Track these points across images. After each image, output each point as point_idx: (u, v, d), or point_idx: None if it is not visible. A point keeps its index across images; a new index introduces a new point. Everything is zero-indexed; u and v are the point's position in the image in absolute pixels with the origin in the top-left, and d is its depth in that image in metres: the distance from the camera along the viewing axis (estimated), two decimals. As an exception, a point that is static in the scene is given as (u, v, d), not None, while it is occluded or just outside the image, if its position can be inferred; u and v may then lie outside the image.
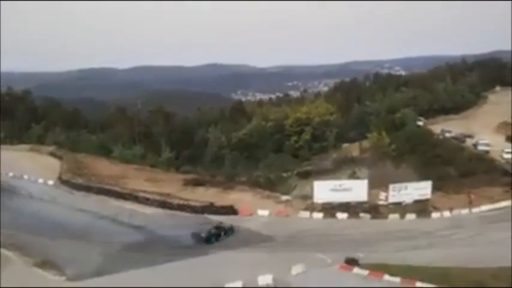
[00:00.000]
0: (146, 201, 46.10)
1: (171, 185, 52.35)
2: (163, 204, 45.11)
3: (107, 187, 50.53)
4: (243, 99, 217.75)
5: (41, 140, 79.49)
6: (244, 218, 41.89)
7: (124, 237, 36.95)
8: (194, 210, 43.41)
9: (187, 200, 46.21)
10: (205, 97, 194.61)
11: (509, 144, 71.53)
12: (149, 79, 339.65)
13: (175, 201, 45.47)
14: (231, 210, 42.80)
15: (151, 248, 34.77)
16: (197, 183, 52.49)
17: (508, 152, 62.95)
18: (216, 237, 36.58)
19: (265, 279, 27.52)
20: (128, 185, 52.29)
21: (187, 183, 52.70)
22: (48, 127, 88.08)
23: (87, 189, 50.58)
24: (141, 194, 47.87)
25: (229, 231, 37.79)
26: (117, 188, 50.16)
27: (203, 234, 36.17)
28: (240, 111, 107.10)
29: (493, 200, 44.45)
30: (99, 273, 29.85)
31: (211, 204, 44.00)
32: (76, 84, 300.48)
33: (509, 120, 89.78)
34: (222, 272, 28.69)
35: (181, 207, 44.21)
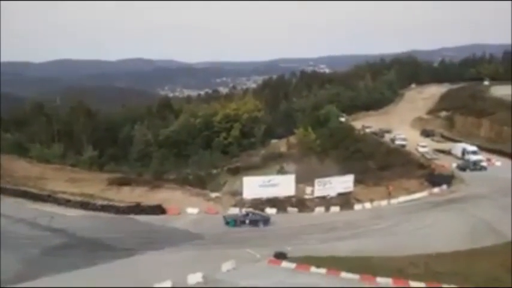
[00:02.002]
0: (67, 203, 43.49)
1: (94, 185, 49.93)
2: (85, 206, 42.83)
3: (24, 189, 46.97)
4: (171, 95, 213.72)
5: None
6: (172, 216, 41.08)
7: (43, 241, 34.60)
8: (119, 210, 41.70)
9: (111, 200, 44.34)
10: (130, 93, 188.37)
11: (424, 139, 77.20)
12: (70, 74, 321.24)
13: (99, 202, 43.38)
14: (158, 210, 41.68)
15: (73, 252, 32.95)
16: (122, 182, 50.48)
17: (422, 146, 67.72)
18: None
19: (195, 277, 27.16)
20: (47, 186, 49.09)
21: (112, 182, 50.52)
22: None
23: (1, 191, 46.73)
24: (61, 196, 45.11)
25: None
26: (34, 190, 46.85)
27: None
28: (167, 107, 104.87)
29: (409, 192, 47.60)
30: (17, 280, 27.76)
31: (138, 204, 42.54)
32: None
33: (424, 116, 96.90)
34: (150, 273, 27.92)
35: (105, 208, 42.24)
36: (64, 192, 46.27)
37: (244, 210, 40.35)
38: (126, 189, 48.53)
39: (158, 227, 38.26)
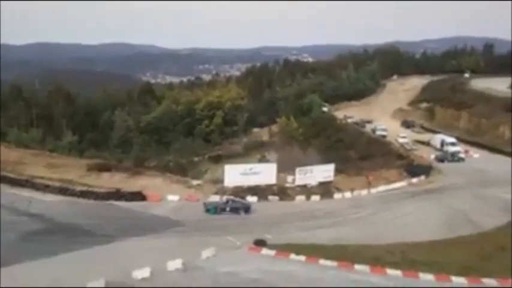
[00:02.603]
0: (45, 188, 42.87)
1: (74, 170, 49.22)
2: (64, 191, 42.26)
3: (2, 173, 46.14)
4: (152, 81, 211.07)
5: None
6: (153, 203, 40.85)
7: (21, 226, 34.07)
8: (99, 196, 41.29)
9: (91, 186, 43.85)
10: (111, 77, 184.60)
11: (404, 130, 78.20)
12: (49, 57, 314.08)
13: (78, 188, 42.85)
14: (139, 196, 41.37)
15: (51, 237, 32.54)
16: (102, 168, 49.87)
17: (402, 137, 68.61)
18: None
19: (175, 264, 27.16)
20: (26, 171, 48.18)
21: (92, 168, 49.88)
22: None
23: (-22, 176, 45.78)
24: (39, 181, 44.44)
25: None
26: (13, 175, 46.04)
27: None
28: (149, 93, 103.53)
29: (388, 181, 48.34)
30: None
31: (118, 190, 42.16)
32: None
33: (405, 107, 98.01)
34: (129, 260, 27.70)
35: (84, 194, 41.77)
36: (43, 178, 45.60)
37: (225, 198, 40.39)
38: (105, 175, 48.03)
39: (138, 213, 38.06)
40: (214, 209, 38.65)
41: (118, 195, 41.33)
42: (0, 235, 30.65)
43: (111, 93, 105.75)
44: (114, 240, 32.06)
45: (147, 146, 75.67)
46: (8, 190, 42.65)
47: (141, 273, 25.88)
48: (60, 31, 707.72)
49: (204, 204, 39.57)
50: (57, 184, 43.62)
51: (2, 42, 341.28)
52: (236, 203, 39.60)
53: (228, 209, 38.74)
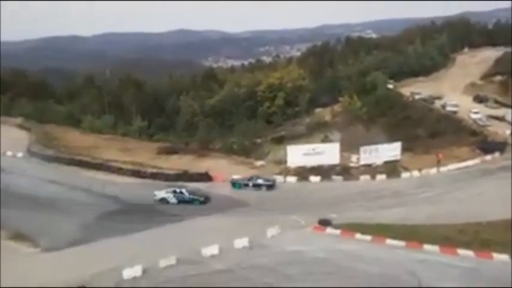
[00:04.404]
0: (119, 171, 45.72)
1: (144, 153, 51.95)
2: (136, 174, 44.84)
3: (78, 158, 49.73)
4: (214, 65, 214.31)
5: (7, 112, 76.86)
6: (219, 184, 42.20)
7: (98, 207, 36.73)
8: (168, 178, 43.31)
9: (160, 168, 46.01)
10: (175, 64, 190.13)
11: (477, 105, 73.69)
12: (117, 47, 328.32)
13: (149, 170, 45.24)
14: (205, 177, 42.96)
15: (126, 217, 34.76)
16: (170, 151, 52.25)
17: (475, 112, 64.79)
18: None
19: (242, 242, 28.00)
20: (100, 155, 51.63)
21: (161, 151, 52.39)
22: (14, 99, 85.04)
23: (58, 160, 49.64)
24: (113, 164, 47.37)
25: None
26: (88, 159, 49.42)
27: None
28: (212, 78, 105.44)
29: (460, 159, 46.03)
30: (74, 243, 29.76)
31: (185, 171, 43.95)
32: (41, 54, 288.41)
33: (477, 81, 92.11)
34: (198, 238, 28.97)
35: (154, 176, 44.06)
36: (116, 161, 48.54)
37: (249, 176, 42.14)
38: (174, 158, 50.25)
39: (205, 193, 39.39)
40: (238, 185, 40.92)
41: (186, 176, 43.15)
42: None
43: (176, 79, 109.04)
44: (184, 219, 33.63)
45: (212, 129, 77.38)
46: (85, 173, 45.95)
47: (210, 250, 27.01)
48: (124, 21, 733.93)
49: (230, 181, 41.84)
50: (130, 167, 46.32)
51: (73, 33, 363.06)
52: (258, 180, 40.90)
53: (250, 184, 40.48)
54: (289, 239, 29.14)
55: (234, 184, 41.34)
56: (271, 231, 29.67)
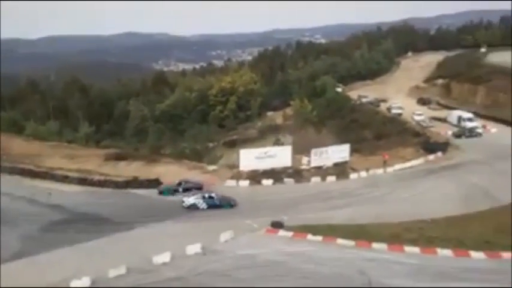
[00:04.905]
0: (65, 179, 43.82)
1: (91, 160, 50.18)
2: (83, 181, 43.18)
3: (21, 166, 47.25)
4: (165, 69, 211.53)
5: None
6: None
7: (43, 217, 34.96)
8: (117, 185, 42.08)
9: (109, 175, 44.67)
10: (124, 68, 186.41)
11: (420, 107, 77.18)
12: (63, 50, 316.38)
13: (96, 178, 43.76)
14: (156, 183, 42.01)
15: (73, 227, 33.35)
16: (119, 157, 50.72)
17: (418, 114, 67.78)
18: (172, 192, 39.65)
19: (194, 248, 27.64)
20: (45, 163, 49.35)
21: (109, 158, 50.77)
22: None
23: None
24: (58, 172, 45.45)
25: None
26: (32, 167, 47.13)
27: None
28: (162, 81, 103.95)
29: (405, 160, 47.96)
30: (17, 256, 28.16)
31: (135, 178, 42.89)
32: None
33: (420, 84, 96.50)
34: (149, 246, 28.27)
35: (103, 183, 42.63)
36: (61, 169, 46.61)
37: (177, 180, 41.07)
38: (123, 164, 48.86)
39: (156, 200, 38.71)
40: (167, 192, 39.75)
41: (136, 183, 42.06)
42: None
43: (125, 83, 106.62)
44: (134, 227, 32.72)
45: (162, 134, 76.29)
46: (28, 182, 43.71)
47: (162, 258, 26.42)
48: (72, 24, 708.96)
49: (157, 189, 40.40)
50: (76, 175, 44.58)
51: (16, 36, 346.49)
52: (188, 184, 40.35)
53: (180, 190, 39.63)
54: (242, 243, 29.10)
55: (163, 191, 39.88)
56: (225, 236, 29.52)
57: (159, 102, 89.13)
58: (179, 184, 40.31)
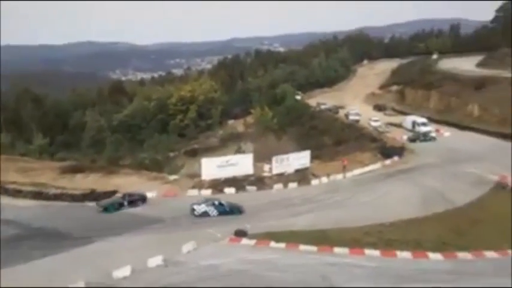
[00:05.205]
0: (18, 194, 41.95)
1: (46, 173, 48.38)
2: (38, 195, 41.41)
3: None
4: (123, 78, 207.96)
5: None
6: (129, 201, 40.45)
7: (-5, 234, 33.28)
8: (74, 198, 40.62)
9: (65, 188, 43.14)
10: (80, 77, 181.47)
11: (376, 113, 79.39)
12: (16, 60, 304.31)
13: (52, 191, 42.14)
14: (114, 196, 40.91)
15: (28, 243, 31.84)
16: (75, 169, 49.16)
17: (375, 120, 69.64)
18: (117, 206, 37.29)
19: (155, 260, 26.99)
20: (-5, 177, 47.06)
21: (65, 170, 49.10)
22: None
23: None
24: (11, 186, 43.45)
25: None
26: (-18, 182, 44.80)
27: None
28: (119, 91, 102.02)
29: (363, 164, 49.07)
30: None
31: (93, 190, 41.60)
32: None
33: (376, 91, 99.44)
34: (109, 260, 27.33)
35: (58, 197, 41.03)
36: (14, 183, 44.56)
37: (121, 194, 39.55)
38: (79, 177, 47.39)
39: (115, 213, 37.59)
40: (112, 207, 37.53)
41: (93, 195, 40.73)
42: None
43: (80, 93, 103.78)
44: (93, 241, 31.59)
45: (121, 145, 74.60)
46: (-21, 198, 41.48)
47: (122, 272, 25.60)
48: (25, 33, 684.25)
49: (97, 205, 38.05)
50: (30, 188, 42.76)
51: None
52: (133, 197, 39.04)
53: (125, 203, 38.21)
54: (205, 253, 28.69)
55: (106, 208, 37.45)
56: (187, 247, 29.01)
57: (116, 112, 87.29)
58: (123, 197, 38.73)
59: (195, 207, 36.02)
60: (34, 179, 46.22)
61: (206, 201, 36.78)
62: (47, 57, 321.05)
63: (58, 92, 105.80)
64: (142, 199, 39.39)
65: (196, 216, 35.57)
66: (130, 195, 39.30)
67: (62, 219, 36.13)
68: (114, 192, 41.04)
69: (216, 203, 36.30)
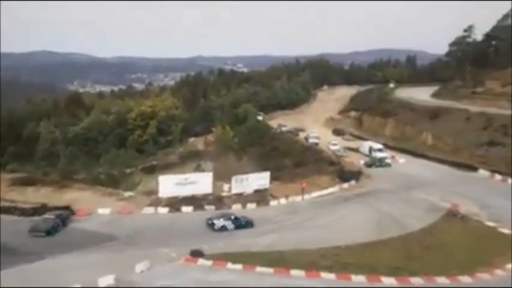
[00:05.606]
0: (-38, 206, 39.58)
1: (-5, 185, 45.99)
2: (-16, 208, 39.26)
3: None
4: (81, 90, 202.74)
5: None
6: (82, 218, 39.00)
7: None
8: (23, 212, 38.77)
9: (15, 201, 41.14)
10: (36, 87, 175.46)
11: (335, 137, 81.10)
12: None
13: (1, 204, 40.05)
14: (67, 211, 39.36)
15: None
16: (26, 182, 47.11)
17: (333, 144, 71.01)
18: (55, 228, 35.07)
19: (106, 280, 26.06)
20: None
21: (15, 183, 46.93)
22: None
23: None
24: (-45, 198, 40.97)
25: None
26: None
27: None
28: (77, 103, 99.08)
29: (321, 187, 49.73)
30: None
31: (44, 205, 39.90)
32: None
33: (335, 116, 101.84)
34: (58, 277, 26.23)
35: (7, 210, 39.01)
36: (-42, 195, 42.03)
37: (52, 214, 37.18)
38: (30, 190, 45.49)
39: (66, 228, 36.15)
40: (52, 229, 34.84)
41: (44, 210, 39.00)
42: None
43: (35, 103, 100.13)
44: (41, 258, 30.20)
45: (75, 158, 72.06)
46: None
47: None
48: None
49: (30, 232, 34.62)
50: (-24, 201, 40.45)
51: None
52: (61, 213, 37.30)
53: (60, 223, 36.09)
54: (159, 273, 28.02)
55: (48, 231, 34.38)
56: (140, 266, 28.22)
57: (72, 125, 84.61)
58: (56, 217, 36.24)
59: (215, 221, 37.19)
60: (-19, 191, 43.81)
61: (222, 216, 38.29)
62: (3, 65, 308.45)
63: (13, 102, 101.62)
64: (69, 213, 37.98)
65: (215, 230, 36.65)
66: (58, 214, 36.91)
67: (10, 234, 34.25)
68: (66, 208, 39.52)
69: (232, 217, 37.85)
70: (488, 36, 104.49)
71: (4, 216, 38.34)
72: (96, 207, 40.62)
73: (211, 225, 37.07)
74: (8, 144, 75.58)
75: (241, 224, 37.55)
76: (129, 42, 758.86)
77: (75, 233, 35.49)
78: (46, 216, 36.52)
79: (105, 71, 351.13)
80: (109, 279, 26.07)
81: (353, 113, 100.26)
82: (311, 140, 75.52)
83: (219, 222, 37.20)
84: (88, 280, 25.50)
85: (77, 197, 43.72)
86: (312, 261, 29.88)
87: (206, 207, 42.90)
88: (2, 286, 25.73)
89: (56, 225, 35.60)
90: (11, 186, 46.36)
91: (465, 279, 29.01)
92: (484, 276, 29.40)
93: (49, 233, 34.65)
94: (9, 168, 59.57)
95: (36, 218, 37.05)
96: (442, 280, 28.66)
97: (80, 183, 50.59)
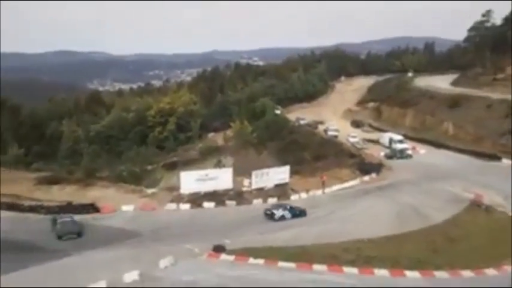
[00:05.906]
0: (-9, 205, 40.75)
1: (21, 185, 47.12)
2: (12, 207, 40.33)
3: None
4: (101, 89, 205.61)
5: None
6: (106, 215, 39.84)
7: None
8: (49, 211, 39.71)
9: (40, 200, 42.20)
10: (57, 87, 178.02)
11: (354, 129, 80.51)
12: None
13: (27, 203, 41.13)
14: (91, 208, 40.27)
15: (1, 256, 30.93)
16: (52, 181, 48.17)
17: (353, 136, 70.54)
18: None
19: (131, 275, 26.55)
20: (-33, 188, 45.60)
21: (40, 182, 48.05)
22: None
23: None
24: (-16, 198, 42.14)
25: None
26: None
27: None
28: (97, 101, 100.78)
29: (342, 180, 49.59)
30: None
31: (69, 203, 40.84)
32: None
33: (353, 107, 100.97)
34: (83, 274, 26.81)
35: (34, 209, 40.09)
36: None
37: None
38: (55, 188, 46.48)
39: (92, 226, 36.97)
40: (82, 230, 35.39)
41: (70, 208, 39.96)
42: None
43: (57, 102, 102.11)
44: (68, 255, 30.98)
45: (98, 156, 73.41)
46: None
47: (97, 286, 25.14)
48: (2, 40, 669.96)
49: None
50: (4, 200, 41.55)
51: None
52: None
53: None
54: (183, 268, 28.38)
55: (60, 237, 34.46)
56: (164, 262, 28.66)
57: (94, 123, 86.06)
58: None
59: (275, 211, 38.99)
60: (8, 190, 44.84)
61: (280, 206, 40.28)
62: (24, 66, 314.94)
63: (35, 102, 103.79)
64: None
65: (275, 220, 38.32)
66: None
67: (37, 232, 35.25)
68: (90, 205, 40.42)
69: (288, 207, 39.82)
70: (507, 20, 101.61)
71: (30, 215, 39.45)
72: (120, 205, 41.39)
73: (270, 216, 38.73)
74: (32, 143, 77.33)
75: (295, 213, 39.23)
76: (146, 40, 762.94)
77: (100, 230, 36.22)
78: (64, 219, 35.99)
79: (124, 69, 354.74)
80: (134, 275, 26.58)
81: (371, 104, 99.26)
82: (330, 133, 75.18)
83: (278, 213, 38.82)
84: (113, 276, 26.06)
85: (101, 194, 44.55)
86: (334, 255, 29.79)
87: (227, 202, 43.26)
88: (29, 284, 26.43)
89: (82, 225, 36.28)
90: (37, 185, 47.47)
91: (490, 271, 28.55)
92: (510, 269, 28.89)
93: (80, 234, 35.18)
94: (34, 167, 61.08)
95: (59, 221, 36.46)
96: (467, 273, 28.25)
97: (103, 180, 51.52)
